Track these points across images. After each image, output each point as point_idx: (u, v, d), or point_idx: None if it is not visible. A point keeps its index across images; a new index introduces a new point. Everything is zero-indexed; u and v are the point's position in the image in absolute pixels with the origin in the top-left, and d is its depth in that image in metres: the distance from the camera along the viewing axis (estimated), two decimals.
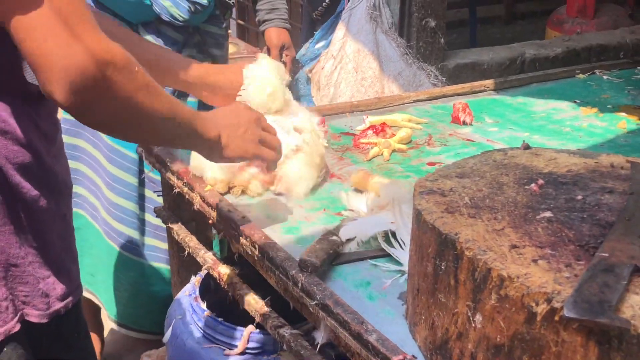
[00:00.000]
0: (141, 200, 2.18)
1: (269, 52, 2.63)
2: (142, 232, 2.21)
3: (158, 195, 1.95)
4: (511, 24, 6.41)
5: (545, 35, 4.20)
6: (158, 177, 1.89)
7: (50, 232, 1.12)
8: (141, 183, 2.16)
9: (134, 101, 0.97)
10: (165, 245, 2.08)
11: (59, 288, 1.13)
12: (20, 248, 1.07)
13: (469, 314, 0.85)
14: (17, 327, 1.08)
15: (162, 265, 2.21)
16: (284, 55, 2.66)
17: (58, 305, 1.13)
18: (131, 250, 2.21)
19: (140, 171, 2.14)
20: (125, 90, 0.95)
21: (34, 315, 1.10)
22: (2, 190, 1.04)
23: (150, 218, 2.16)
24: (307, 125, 1.55)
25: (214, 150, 1.19)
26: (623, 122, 1.97)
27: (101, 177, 2.20)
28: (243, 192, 1.51)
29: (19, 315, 1.08)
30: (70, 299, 1.15)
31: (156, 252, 2.21)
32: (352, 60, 2.81)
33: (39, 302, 1.10)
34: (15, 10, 0.89)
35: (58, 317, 1.14)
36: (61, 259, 1.15)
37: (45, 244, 1.11)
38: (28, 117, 1.08)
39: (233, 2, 2.32)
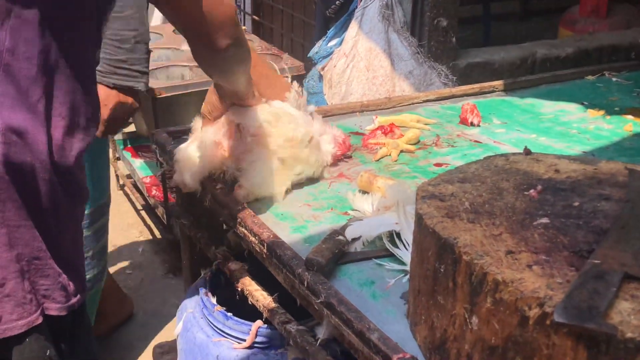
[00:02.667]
0: None
1: None
2: None
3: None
4: (525, 20, 6.40)
5: (558, 34, 4.20)
6: None
7: (64, 234, 1.16)
8: None
9: (247, 47, 1.36)
10: None
11: (72, 285, 1.17)
12: (42, 243, 1.11)
13: (466, 315, 0.89)
14: (40, 320, 1.12)
15: None
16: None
17: (73, 299, 1.17)
18: None
19: None
20: (244, 41, 1.34)
21: (54, 309, 1.14)
22: (27, 189, 1.08)
23: None
24: (254, 122, 1.52)
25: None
26: (630, 125, 1.99)
27: None
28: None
29: (41, 308, 1.12)
30: (79, 296, 1.19)
31: None
32: (364, 58, 2.84)
33: (58, 295, 1.14)
34: None
35: (72, 312, 1.18)
36: (74, 258, 1.20)
37: (60, 244, 1.15)
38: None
39: None
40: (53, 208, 1.12)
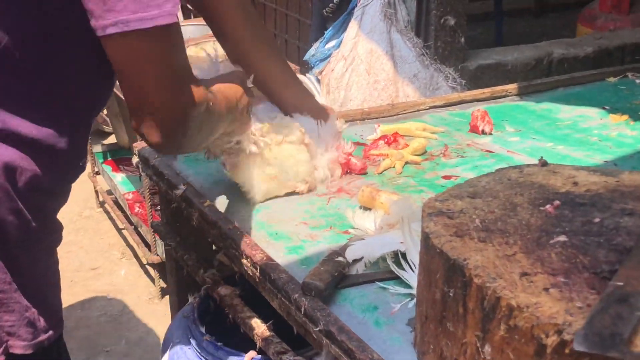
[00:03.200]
0: None
1: None
2: None
3: None
4: (541, 17, 6.43)
5: (576, 32, 4.22)
6: None
7: (36, 265, 1.16)
8: None
9: (214, 128, 1.31)
10: None
11: (42, 320, 1.17)
12: (7, 274, 1.11)
13: (478, 344, 0.89)
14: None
15: None
16: None
17: (43, 336, 1.17)
18: None
19: None
20: (208, 124, 1.26)
21: (19, 347, 1.13)
22: None
23: None
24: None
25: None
26: None
27: None
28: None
29: (3, 347, 1.12)
30: (51, 332, 1.19)
31: None
32: (365, 61, 2.85)
33: (24, 331, 1.14)
34: (146, 51, 1.06)
35: (42, 350, 1.17)
36: (45, 291, 1.19)
37: (30, 275, 1.15)
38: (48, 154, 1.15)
39: None
40: (21, 238, 1.12)
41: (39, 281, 1.18)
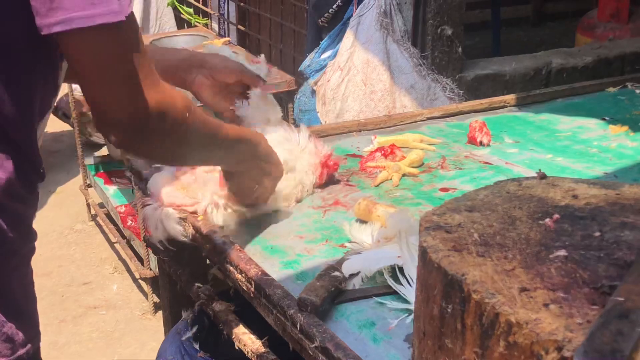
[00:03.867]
0: None
1: None
2: None
3: None
4: (539, 26, 6.46)
5: (575, 40, 4.24)
6: None
7: (11, 276, 1.16)
8: None
9: (185, 138, 1.20)
10: None
11: (20, 333, 1.16)
12: None
13: None
14: None
15: None
16: None
17: (21, 350, 1.16)
18: None
19: None
20: (178, 131, 1.17)
21: None
22: None
23: None
24: None
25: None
26: None
27: None
28: None
29: None
30: (29, 346, 1.18)
31: None
32: (361, 72, 2.86)
33: (3, 347, 1.13)
34: (92, 50, 1.04)
35: None
36: (21, 304, 1.19)
37: (8, 288, 1.14)
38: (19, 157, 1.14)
39: None
40: (3, 251, 1.11)
41: (17, 294, 1.17)
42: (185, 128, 1.18)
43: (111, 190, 3.60)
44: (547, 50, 3.50)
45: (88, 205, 3.79)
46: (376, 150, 1.88)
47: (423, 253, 1.01)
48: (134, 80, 1.08)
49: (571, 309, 0.84)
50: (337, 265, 1.32)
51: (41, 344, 1.27)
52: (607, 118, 2.20)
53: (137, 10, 4.62)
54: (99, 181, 3.67)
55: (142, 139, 1.13)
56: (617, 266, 0.92)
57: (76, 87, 4.15)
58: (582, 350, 0.75)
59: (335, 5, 3.16)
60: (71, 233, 3.71)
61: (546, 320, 0.82)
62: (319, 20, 3.29)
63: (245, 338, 1.42)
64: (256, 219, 1.58)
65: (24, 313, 1.19)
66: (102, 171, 3.79)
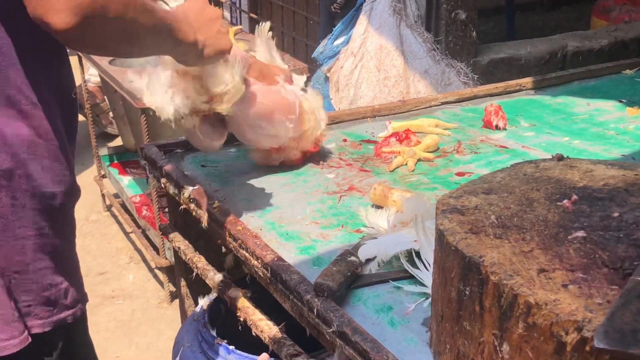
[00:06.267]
0: None
1: None
2: None
3: None
4: (554, 10, 6.41)
5: (591, 24, 4.20)
6: None
7: (65, 238, 1.18)
8: None
9: (126, 18, 1.07)
10: None
11: (69, 295, 1.19)
12: (34, 253, 1.13)
13: (496, 343, 0.88)
14: (29, 340, 1.14)
15: None
16: None
17: (65, 313, 1.19)
18: None
19: None
20: (118, 10, 1.04)
21: (37, 326, 1.16)
22: (28, 192, 1.12)
23: None
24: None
25: (192, 53, 1.32)
26: None
27: None
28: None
29: (24, 330, 1.14)
30: (79, 305, 1.21)
31: None
32: (374, 57, 2.85)
33: (40, 310, 1.16)
34: None
35: (64, 327, 1.19)
36: (70, 265, 1.22)
37: (61, 249, 1.17)
38: (59, 117, 1.17)
39: None
40: (43, 207, 1.14)
41: (67, 254, 1.21)
42: (127, 3, 1.07)
43: (126, 180, 3.61)
44: (562, 34, 3.47)
45: (103, 195, 3.81)
46: (391, 136, 1.88)
47: (440, 236, 1.01)
48: None
49: (590, 290, 0.83)
50: (353, 250, 1.32)
51: None
52: (624, 100, 2.19)
53: None
54: (114, 172, 3.69)
55: (87, 21, 1.01)
56: (637, 246, 0.91)
57: (89, 78, 4.17)
58: (603, 330, 0.75)
59: None
60: (86, 224, 3.73)
61: (565, 300, 0.82)
62: (332, 7, 3.28)
63: (262, 324, 1.43)
64: (272, 205, 1.58)
65: (72, 275, 1.22)
66: (116, 162, 3.81)
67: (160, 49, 1.29)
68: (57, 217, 1.18)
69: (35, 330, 1.16)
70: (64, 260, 1.21)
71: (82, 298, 1.27)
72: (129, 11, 1.07)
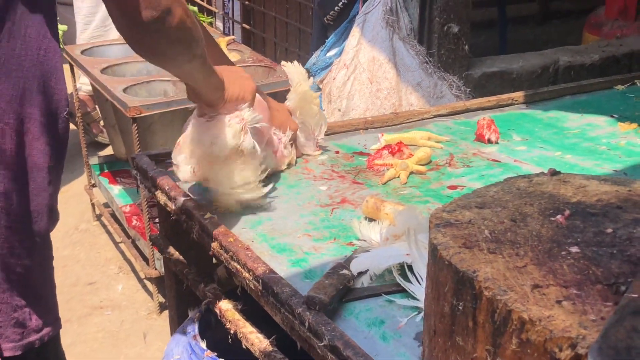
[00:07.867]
0: None
1: None
2: None
3: None
4: (545, 24, 6.44)
5: (582, 38, 4.23)
6: None
7: (33, 259, 1.16)
8: None
9: (187, 25, 1.24)
10: None
11: (34, 319, 1.16)
12: (2, 272, 1.11)
13: (489, 359, 0.88)
14: None
15: None
16: None
17: (34, 337, 1.16)
18: None
19: None
20: (182, 16, 1.22)
21: (8, 349, 1.13)
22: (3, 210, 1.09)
23: None
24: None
25: (219, 88, 1.48)
26: None
27: None
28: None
29: None
30: (47, 329, 1.19)
31: None
32: (367, 69, 2.86)
33: (11, 332, 1.13)
34: None
35: (34, 351, 1.17)
36: (39, 288, 1.19)
37: (27, 270, 1.15)
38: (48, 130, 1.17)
39: None
40: (16, 226, 1.12)
41: (36, 275, 1.18)
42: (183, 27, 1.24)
43: (116, 189, 3.60)
44: (554, 48, 3.49)
45: (93, 205, 3.79)
46: (383, 148, 1.88)
47: (433, 250, 1.01)
48: None
49: (584, 306, 0.83)
50: (345, 263, 1.32)
51: None
52: (615, 115, 2.20)
53: None
54: (104, 181, 3.67)
55: (170, 8, 1.18)
56: (631, 263, 0.91)
57: (80, 87, 4.16)
58: (597, 347, 0.75)
59: (340, 3, 3.16)
60: (76, 233, 3.71)
61: (559, 317, 0.81)
62: (325, 18, 3.28)
63: (253, 337, 1.42)
64: (263, 217, 1.58)
65: (41, 297, 1.19)
66: (106, 171, 3.79)
67: (198, 72, 1.41)
68: (31, 238, 1.16)
69: (7, 354, 1.14)
70: (33, 282, 1.18)
71: (52, 322, 1.23)
72: (188, 20, 1.24)
